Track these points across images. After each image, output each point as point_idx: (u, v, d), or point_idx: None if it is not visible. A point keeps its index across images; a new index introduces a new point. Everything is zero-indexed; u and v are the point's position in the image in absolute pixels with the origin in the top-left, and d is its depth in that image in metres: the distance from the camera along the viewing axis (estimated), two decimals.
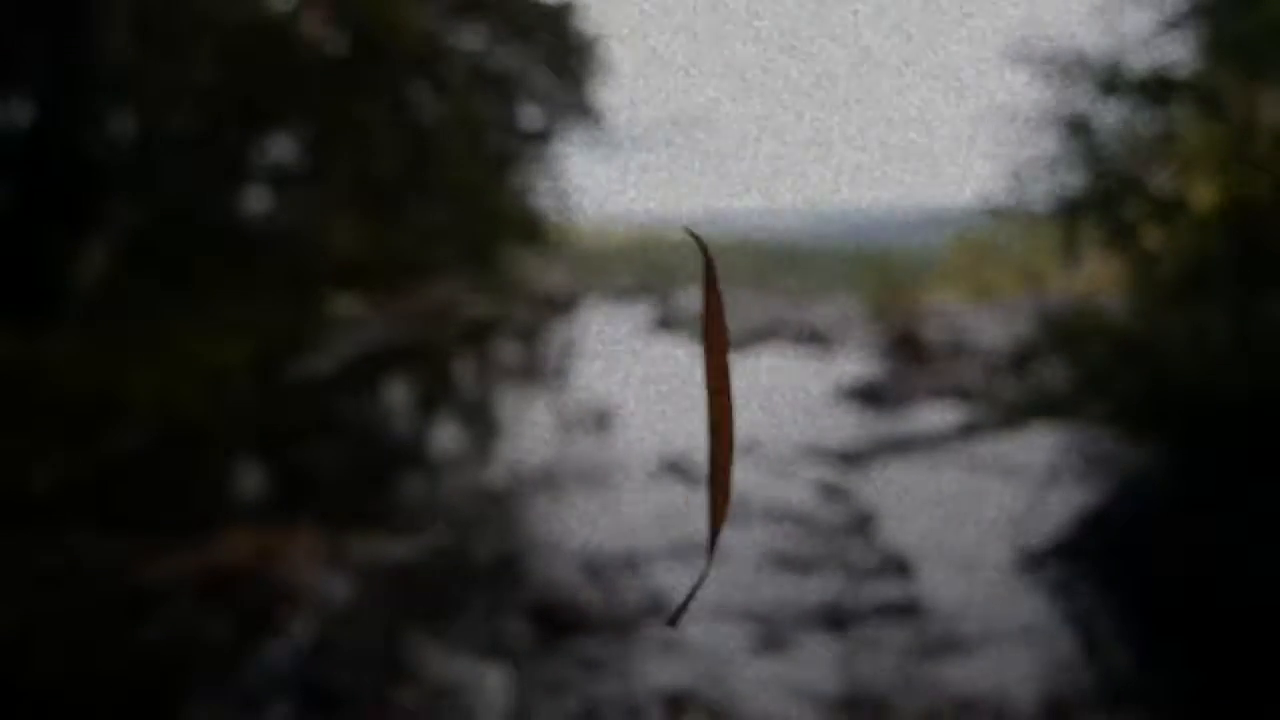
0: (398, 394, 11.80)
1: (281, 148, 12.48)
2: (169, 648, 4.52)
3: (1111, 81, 6.02)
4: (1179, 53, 6.03)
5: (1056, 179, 6.24)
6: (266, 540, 5.45)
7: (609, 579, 5.41)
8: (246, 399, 9.21)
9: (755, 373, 12.06)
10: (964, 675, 4.45)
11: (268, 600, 4.86)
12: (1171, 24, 5.90)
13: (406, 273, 13.45)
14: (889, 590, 5.35)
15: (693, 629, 4.90)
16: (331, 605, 4.91)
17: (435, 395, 11.92)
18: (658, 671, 4.48)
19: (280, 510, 6.86)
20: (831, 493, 7.01)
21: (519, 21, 14.61)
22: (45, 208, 8.85)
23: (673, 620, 0.69)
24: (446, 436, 10.14)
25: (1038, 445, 6.94)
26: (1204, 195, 5.91)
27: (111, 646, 4.52)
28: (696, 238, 0.67)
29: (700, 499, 6.92)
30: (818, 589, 5.37)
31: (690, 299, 18.27)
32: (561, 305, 18.21)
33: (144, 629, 4.66)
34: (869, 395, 10.19)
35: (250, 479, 8.04)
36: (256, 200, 12.39)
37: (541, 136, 15.54)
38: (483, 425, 10.46)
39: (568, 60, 15.01)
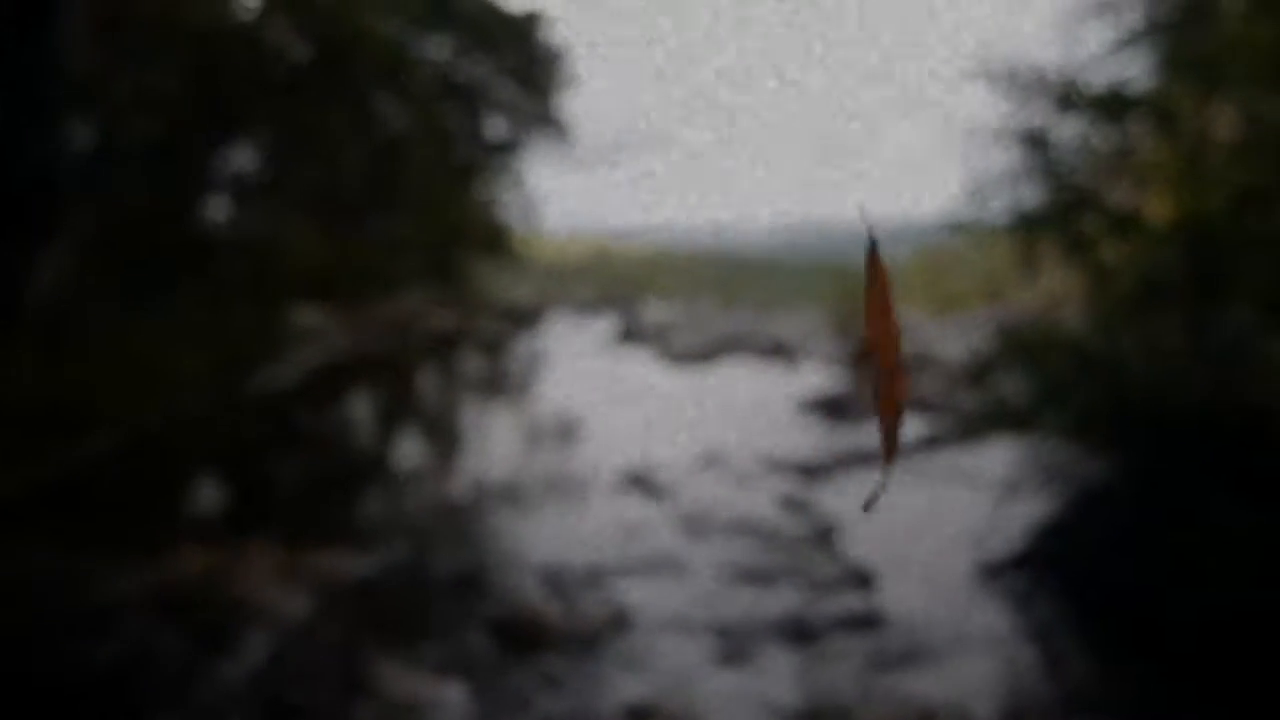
0: (360, 406, 11.72)
1: (245, 156, 12.38)
2: (124, 665, 4.45)
3: (1069, 98, 6.09)
4: (1135, 70, 6.12)
5: (1016, 193, 6.30)
6: (224, 555, 5.39)
7: (572, 593, 5.39)
8: (206, 410, 9.11)
9: (718, 384, 12.09)
10: (925, 686, 4.47)
11: (224, 616, 4.80)
12: (1128, 42, 5.98)
13: (369, 283, 13.37)
14: (851, 602, 5.36)
15: (655, 642, 4.89)
16: (289, 621, 4.85)
17: (398, 407, 11.85)
18: (620, 686, 4.46)
19: (239, 524, 6.78)
20: (793, 505, 7.02)
21: (485, 33, 14.60)
22: (3, 215, 8.72)
23: (866, 506, 0.75)
24: (409, 449, 10.08)
25: (998, 457, 6.99)
26: (1160, 210, 5.99)
27: (66, 663, 4.45)
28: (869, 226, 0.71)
29: (663, 512, 6.91)
30: (780, 601, 5.37)
31: (653, 311, 18.28)
32: (525, 317, 18.17)
33: (99, 645, 4.58)
34: (831, 407, 10.24)
35: (209, 492, 7.94)
36: (219, 209, 12.28)
37: (506, 148, 15.52)
38: (446, 438, 10.40)
39: (533, 72, 15.02)
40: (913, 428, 9.34)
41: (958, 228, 6.72)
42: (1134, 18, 5.92)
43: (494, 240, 15.04)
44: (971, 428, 8.01)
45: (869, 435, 9.27)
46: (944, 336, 13.11)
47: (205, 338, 9.79)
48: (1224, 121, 5.71)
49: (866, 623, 5.12)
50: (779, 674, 4.60)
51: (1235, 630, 4.44)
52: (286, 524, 6.63)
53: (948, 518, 6.64)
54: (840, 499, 7.17)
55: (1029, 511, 5.98)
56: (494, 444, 9.63)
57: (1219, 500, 4.82)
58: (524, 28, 14.89)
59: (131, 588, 5.01)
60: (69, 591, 5.04)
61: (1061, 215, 6.14)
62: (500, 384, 13.71)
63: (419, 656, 4.65)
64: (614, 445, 8.79)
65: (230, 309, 10.75)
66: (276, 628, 4.79)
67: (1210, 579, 4.61)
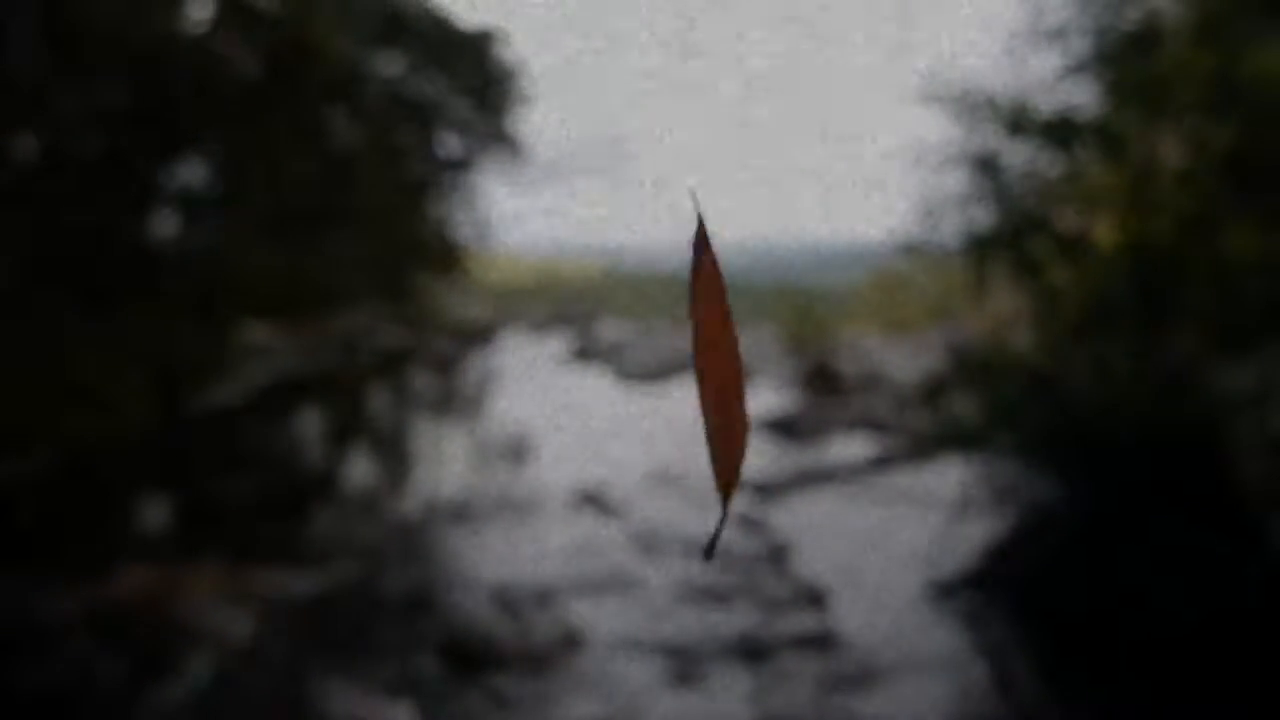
0: (309, 424, 11.56)
1: (193, 171, 12.21)
2: (63, 688, 4.33)
3: (1019, 122, 6.18)
4: (1083, 96, 6.23)
5: (966, 216, 6.38)
6: (167, 576, 5.27)
7: (523, 612, 5.33)
8: (150, 428, 8.94)
9: (672, 404, 12.08)
10: (878, 706, 4.47)
11: (167, 637, 4.69)
12: (1076, 68, 6.09)
13: (320, 300, 13.22)
14: (803, 621, 5.36)
15: (607, 662, 4.85)
16: (233, 643, 4.75)
17: (348, 426, 11.70)
18: (572, 706, 4.42)
19: (184, 544, 6.64)
20: (747, 524, 7.02)
21: (438, 50, 14.55)
22: None
23: (707, 553, 0.70)
24: (359, 468, 9.95)
25: (948, 477, 7.04)
26: (1106, 234, 6.08)
27: (3, 686, 4.32)
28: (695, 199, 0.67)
29: (615, 531, 6.87)
30: (732, 620, 5.36)
31: (606, 330, 18.27)
32: (478, 335, 18.07)
33: (38, 668, 4.46)
34: (785, 427, 10.27)
35: (153, 512, 7.78)
36: (165, 224, 12.09)
37: (459, 165, 15.44)
38: (396, 456, 10.29)
39: (487, 89, 14.99)
40: (866, 447, 9.39)
41: (909, 250, 6.78)
42: (1082, 45, 6.03)
43: (446, 258, 14.95)
44: (922, 447, 8.07)
45: (823, 454, 9.31)
46: (895, 357, 13.22)
47: (150, 354, 9.61)
48: (1170, 147, 5.82)
49: (819, 642, 5.11)
50: (732, 694, 4.58)
51: (1183, 648, 4.49)
52: (232, 543, 6.50)
53: (899, 537, 6.67)
54: (793, 518, 7.17)
55: (979, 531, 6.02)
56: (445, 462, 9.54)
57: (1166, 520, 4.89)
58: (478, 45, 14.87)
59: (71, 609, 4.88)
60: (9, 613, 4.90)
61: (1011, 238, 6.22)
62: (452, 402, 13.61)
63: (367, 677, 4.57)
64: (566, 464, 8.75)
65: (177, 325, 10.57)
66: (221, 649, 4.69)
67: (1158, 598, 4.67)
